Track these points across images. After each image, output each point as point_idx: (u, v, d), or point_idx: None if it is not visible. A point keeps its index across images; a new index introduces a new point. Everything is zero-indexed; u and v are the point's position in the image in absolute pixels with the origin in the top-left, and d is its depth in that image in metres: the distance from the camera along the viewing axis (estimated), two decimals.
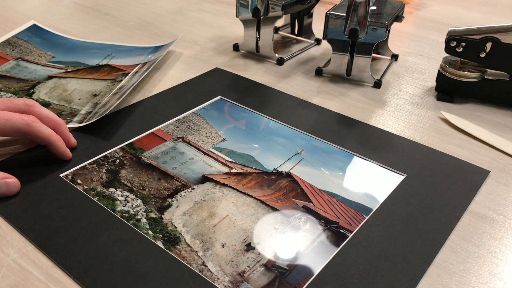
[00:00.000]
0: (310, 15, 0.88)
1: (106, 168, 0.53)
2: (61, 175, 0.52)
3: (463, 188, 0.52)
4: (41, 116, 0.53)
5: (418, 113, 0.67)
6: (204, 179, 0.52)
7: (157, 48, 0.80)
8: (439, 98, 0.71)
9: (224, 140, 0.59)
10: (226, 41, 0.89)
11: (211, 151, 0.57)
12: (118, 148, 0.56)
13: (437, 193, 0.51)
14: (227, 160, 0.55)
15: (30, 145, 0.56)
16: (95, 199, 0.48)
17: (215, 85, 0.72)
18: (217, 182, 0.52)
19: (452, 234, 0.46)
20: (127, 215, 0.47)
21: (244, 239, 0.45)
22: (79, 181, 0.51)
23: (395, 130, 0.63)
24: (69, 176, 0.51)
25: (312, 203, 0.49)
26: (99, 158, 0.55)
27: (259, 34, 0.80)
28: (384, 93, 0.73)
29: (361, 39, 0.70)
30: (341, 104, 0.69)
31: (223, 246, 0.44)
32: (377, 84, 0.74)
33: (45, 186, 0.50)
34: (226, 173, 0.53)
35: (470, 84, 0.69)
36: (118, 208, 0.48)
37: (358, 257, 0.43)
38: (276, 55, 0.80)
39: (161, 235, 0.45)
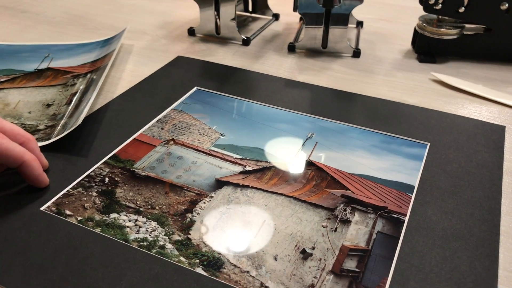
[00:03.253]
0: None
1: (96, 190, 0.43)
2: (41, 208, 0.41)
3: (488, 148, 0.50)
4: (4, 130, 0.41)
5: (408, 77, 0.64)
6: (219, 183, 0.45)
7: (105, 43, 0.69)
8: (422, 59, 0.68)
9: (222, 135, 0.51)
10: (176, 26, 0.80)
11: (213, 150, 0.49)
12: (101, 164, 0.46)
13: (468, 157, 0.48)
14: (236, 158, 0.48)
15: None
16: (97, 230, 0.39)
17: (186, 75, 0.63)
18: (235, 185, 0.44)
19: (502, 197, 0.43)
20: (145, 243, 0.38)
21: (296, 246, 0.38)
22: (67, 211, 0.41)
23: (395, 98, 0.59)
24: (53, 208, 0.41)
25: (350, 190, 0.44)
26: (83, 180, 0.44)
27: (218, 14, 0.72)
28: (365, 62, 0.69)
29: (336, 7, 0.65)
30: (329, 79, 0.63)
31: (275, 259, 0.37)
32: (356, 54, 0.69)
33: (26, 226, 0.39)
34: (241, 173, 0.46)
35: (450, 41, 0.67)
36: (131, 237, 0.38)
37: (426, 242, 0.38)
38: (242, 35, 0.73)
39: (197, 260, 0.36)
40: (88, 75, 0.60)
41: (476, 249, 0.38)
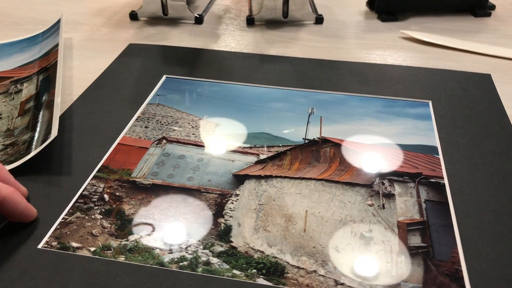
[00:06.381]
0: None
1: (98, 211, 0.36)
2: (39, 246, 0.33)
3: (484, 97, 0.49)
4: None
5: (379, 38, 0.62)
6: (238, 178, 0.39)
7: (41, 37, 0.59)
8: (385, 19, 0.67)
9: (217, 125, 0.46)
10: (113, 12, 0.71)
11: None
12: (92, 180, 0.39)
13: (471, 108, 0.48)
14: (244, 147, 0.43)
15: None
16: (121, 259, 0.32)
17: (148, 65, 0.56)
18: (257, 177, 0.39)
19: None
20: (185, 262, 0.32)
21: (352, 232, 0.34)
22: (74, 244, 0.33)
23: (377, 60, 0.57)
24: (53, 243, 0.33)
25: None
26: (77, 202, 0.37)
27: None
28: (330, 27, 0.66)
29: None
30: (302, 49, 0.60)
31: (337, 250, 0.33)
32: (319, 20, 0.66)
33: (28, 273, 0.31)
34: (257, 162, 0.41)
35: None
36: (166, 259, 0.32)
37: (477, 203, 0.37)
38: (194, 13, 0.66)
39: (254, 270, 0.31)
40: (35, 77, 0.51)
41: None
